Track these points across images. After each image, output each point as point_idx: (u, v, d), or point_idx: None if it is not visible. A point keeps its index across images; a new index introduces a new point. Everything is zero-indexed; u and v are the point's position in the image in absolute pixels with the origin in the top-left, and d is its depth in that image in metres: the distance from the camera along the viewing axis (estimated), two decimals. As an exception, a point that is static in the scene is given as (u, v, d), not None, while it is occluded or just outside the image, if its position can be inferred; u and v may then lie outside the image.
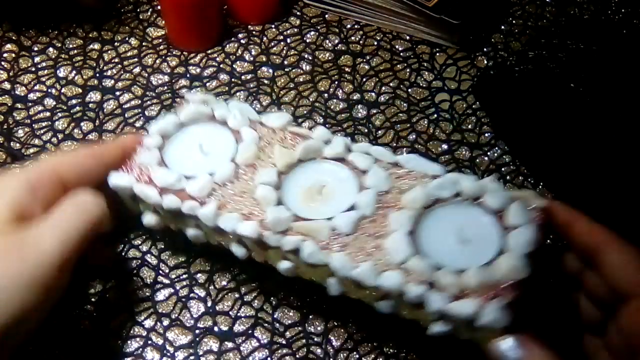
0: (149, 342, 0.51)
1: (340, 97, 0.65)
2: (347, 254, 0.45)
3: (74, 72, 0.66)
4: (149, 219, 0.52)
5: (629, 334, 0.40)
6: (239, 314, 0.52)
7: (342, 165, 0.51)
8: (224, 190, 0.49)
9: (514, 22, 0.71)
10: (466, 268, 0.43)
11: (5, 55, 0.67)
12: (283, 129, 0.53)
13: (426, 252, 0.45)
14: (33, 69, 0.66)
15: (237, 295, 0.53)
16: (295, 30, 0.70)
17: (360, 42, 0.69)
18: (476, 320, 0.41)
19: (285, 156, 0.51)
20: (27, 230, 0.41)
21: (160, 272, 0.54)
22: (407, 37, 0.69)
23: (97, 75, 0.66)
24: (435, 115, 0.64)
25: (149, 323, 0.51)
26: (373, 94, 0.65)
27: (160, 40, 0.69)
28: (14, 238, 0.40)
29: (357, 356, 0.50)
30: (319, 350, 0.50)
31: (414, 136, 0.62)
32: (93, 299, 0.52)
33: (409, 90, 0.65)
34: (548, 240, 0.50)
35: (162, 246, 0.55)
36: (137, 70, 0.66)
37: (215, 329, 0.51)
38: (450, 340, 0.46)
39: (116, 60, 0.67)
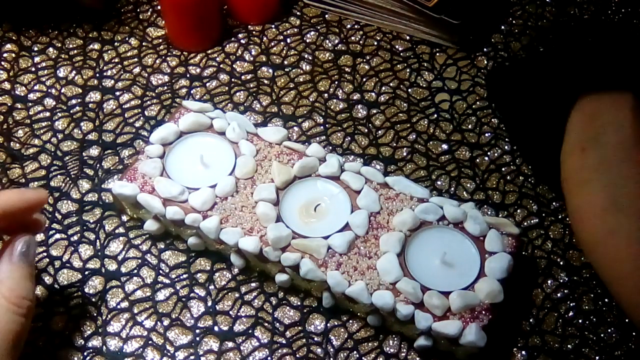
0: (150, 342, 0.51)
1: (340, 97, 0.65)
2: (342, 273, 0.48)
3: (74, 72, 0.66)
4: (150, 225, 0.54)
5: None
6: (239, 314, 0.52)
7: (336, 184, 0.53)
8: (226, 204, 0.52)
9: (514, 22, 0.71)
10: (450, 290, 0.47)
11: (5, 55, 0.67)
12: (279, 143, 0.55)
13: (414, 274, 0.48)
14: (33, 69, 0.66)
15: (237, 295, 0.53)
16: (295, 30, 0.70)
17: (360, 42, 0.69)
18: (458, 339, 0.46)
19: (283, 173, 0.53)
20: None
21: (160, 272, 0.54)
22: (407, 37, 0.69)
23: (97, 75, 0.66)
24: (435, 115, 0.64)
25: (149, 323, 0.51)
26: (373, 94, 0.65)
27: (160, 40, 0.69)
28: None
29: (357, 356, 0.50)
30: (319, 350, 0.50)
31: (414, 136, 0.62)
32: (93, 299, 0.52)
33: (409, 90, 0.65)
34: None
35: (162, 246, 0.55)
36: (137, 70, 0.66)
37: (216, 328, 0.51)
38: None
39: (116, 60, 0.67)
